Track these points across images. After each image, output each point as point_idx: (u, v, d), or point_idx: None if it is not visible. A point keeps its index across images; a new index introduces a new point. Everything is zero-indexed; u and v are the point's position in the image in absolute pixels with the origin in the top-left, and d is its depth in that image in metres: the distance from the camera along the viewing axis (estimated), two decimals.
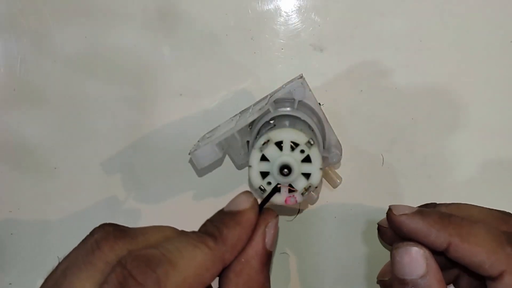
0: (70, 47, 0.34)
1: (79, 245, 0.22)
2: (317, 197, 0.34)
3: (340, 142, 0.30)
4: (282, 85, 0.30)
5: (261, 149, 0.25)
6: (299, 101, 0.29)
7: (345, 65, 0.34)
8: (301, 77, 0.29)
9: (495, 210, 0.27)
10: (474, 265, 0.24)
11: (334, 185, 0.33)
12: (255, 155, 0.25)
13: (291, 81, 0.29)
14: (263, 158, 0.25)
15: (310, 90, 0.29)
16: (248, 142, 0.29)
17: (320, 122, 0.30)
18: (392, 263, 0.26)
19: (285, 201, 0.26)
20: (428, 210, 0.25)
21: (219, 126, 0.31)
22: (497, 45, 0.34)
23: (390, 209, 0.27)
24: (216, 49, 0.34)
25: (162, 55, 0.34)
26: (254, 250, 0.23)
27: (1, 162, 0.35)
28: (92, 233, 0.22)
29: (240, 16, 0.34)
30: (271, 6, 0.34)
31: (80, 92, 0.35)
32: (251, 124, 0.29)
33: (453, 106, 0.34)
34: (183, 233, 0.23)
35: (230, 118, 0.31)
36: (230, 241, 0.22)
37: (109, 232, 0.21)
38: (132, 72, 0.34)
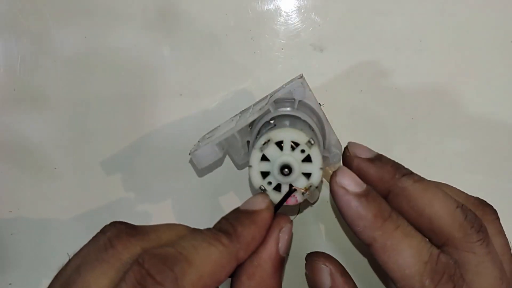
0: (70, 47, 0.34)
1: (90, 242, 0.22)
2: (318, 197, 0.34)
3: (340, 142, 0.30)
4: (282, 85, 0.30)
5: (261, 149, 0.25)
6: (299, 101, 0.29)
7: (345, 65, 0.34)
8: (301, 77, 0.29)
9: (471, 196, 0.26)
10: (389, 275, 0.23)
11: None
12: (256, 155, 0.25)
13: (291, 81, 0.29)
14: (264, 158, 0.25)
15: (310, 90, 0.29)
16: (248, 142, 0.29)
17: (320, 121, 0.30)
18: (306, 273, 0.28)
19: (286, 201, 0.26)
20: (373, 194, 0.24)
21: (219, 126, 0.31)
22: (497, 45, 0.34)
23: (346, 147, 0.26)
24: (216, 49, 0.34)
25: (162, 55, 0.34)
26: (268, 254, 0.23)
27: (1, 162, 0.35)
28: (103, 230, 0.22)
29: (240, 16, 0.34)
30: (271, 6, 0.34)
31: (80, 92, 0.35)
32: (251, 124, 0.29)
33: (453, 106, 0.34)
34: (196, 230, 0.22)
35: (230, 118, 0.31)
36: (244, 239, 0.22)
37: (121, 230, 0.21)
38: (132, 72, 0.34)
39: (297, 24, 0.34)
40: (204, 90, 0.34)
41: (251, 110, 0.30)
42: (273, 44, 0.34)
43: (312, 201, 0.34)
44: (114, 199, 0.35)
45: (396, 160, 0.34)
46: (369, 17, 0.34)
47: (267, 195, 0.25)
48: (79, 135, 0.35)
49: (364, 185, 0.24)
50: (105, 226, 0.22)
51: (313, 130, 0.28)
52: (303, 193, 0.25)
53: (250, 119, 0.28)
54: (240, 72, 0.34)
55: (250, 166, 0.25)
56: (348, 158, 0.26)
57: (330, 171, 0.32)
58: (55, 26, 0.34)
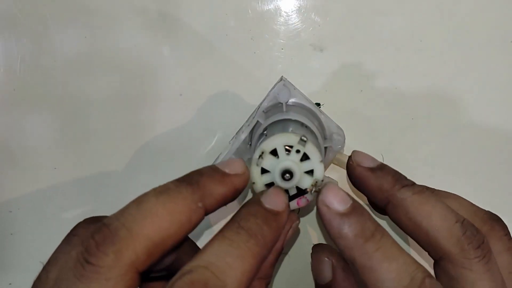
0: (70, 47, 0.34)
1: (62, 247, 0.22)
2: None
3: None
4: (268, 93, 0.30)
5: (258, 163, 0.25)
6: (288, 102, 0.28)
7: (345, 65, 0.34)
8: (282, 79, 0.29)
9: (481, 210, 0.26)
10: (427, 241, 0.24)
11: None
12: (255, 171, 0.25)
13: (274, 86, 0.29)
14: (264, 171, 0.25)
15: (295, 89, 0.28)
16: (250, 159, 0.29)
17: (314, 114, 0.29)
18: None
19: (297, 203, 0.26)
20: (358, 213, 0.23)
21: (220, 153, 0.31)
22: (497, 45, 0.34)
23: (350, 156, 0.26)
24: (216, 49, 0.34)
25: (162, 55, 0.34)
26: (275, 247, 0.24)
27: (1, 162, 0.35)
28: (74, 233, 0.22)
29: (240, 16, 0.34)
30: (271, 6, 0.34)
31: (80, 92, 0.35)
32: (250, 141, 0.29)
33: (453, 106, 0.34)
34: (224, 236, 0.21)
35: (229, 141, 0.31)
36: (271, 245, 0.22)
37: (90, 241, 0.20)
38: (132, 72, 0.34)
39: (297, 24, 0.34)
40: (204, 90, 0.34)
41: (243, 127, 0.30)
42: (273, 44, 0.34)
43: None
44: (114, 199, 0.35)
45: (396, 160, 0.34)
46: (369, 17, 0.34)
47: (283, 191, 0.25)
48: (79, 135, 0.35)
49: (349, 203, 0.23)
50: (75, 228, 0.23)
51: (306, 126, 0.28)
52: (311, 191, 0.25)
53: (243, 137, 0.28)
54: (240, 72, 0.34)
55: (253, 183, 0.25)
56: (350, 166, 0.26)
57: (341, 158, 0.31)
58: (55, 26, 0.34)
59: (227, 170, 0.24)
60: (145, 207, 0.21)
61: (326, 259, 0.27)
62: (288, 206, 0.24)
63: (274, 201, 0.23)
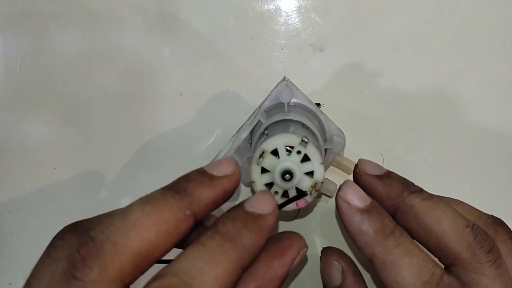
0: (70, 47, 0.34)
1: (44, 261, 0.22)
2: (336, 189, 0.33)
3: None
4: (270, 92, 0.30)
5: (258, 163, 0.25)
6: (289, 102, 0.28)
7: (345, 65, 0.34)
8: (284, 79, 0.29)
9: (485, 214, 0.26)
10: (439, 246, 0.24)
11: (349, 172, 0.32)
12: (255, 170, 0.25)
13: (276, 86, 0.29)
14: (264, 170, 0.25)
15: (297, 89, 0.28)
16: (250, 158, 0.29)
17: (315, 115, 0.29)
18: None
19: (296, 204, 0.26)
20: (377, 210, 0.24)
21: (220, 151, 0.31)
22: (497, 45, 0.34)
23: (356, 164, 0.26)
24: (216, 49, 0.34)
25: (162, 55, 0.34)
26: (282, 271, 0.23)
27: (1, 162, 0.35)
28: (54, 245, 0.22)
29: (240, 16, 0.34)
30: (271, 6, 0.34)
31: (80, 92, 0.35)
32: (251, 140, 0.29)
33: (453, 106, 0.34)
34: (199, 242, 0.21)
35: (229, 139, 0.31)
36: (252, 249, 0.21)
37: (75, 255, 0.20)
38: (132, 72, 0.34)
39: (297, 24, 0.34)
40: (204, 90, 0.34)
41: (244, 126, 0.30)
42: (273, 44, 0.34)
43: (331, 195, 0.33)
44: (113, 199, 0.35)
45: (396, 160, 0.34)
46: (369, 17, 0.34)
47: (272, 194, 0.24)
48: (79, 135, 0.35)
49: (369, 200, 0.24)
50: (53, 240, 0.23)
51: (307, 127, 0.28)
52: (310, 193, 0.25)
53: (244, 136, 0.28)
54: (240, 72, 0.34)
55: (252, 182, 0.25)
56: (357, 174, 0.26)
57: (341, 160, 0.31)
58: (55, 26, 0.34)
59: (215, 173, 0.23)
60: (130, 219, 0.20)
61: (336, 262, 0.27)
62: (276, 209, 0.23)
63: (256, 204, 0.22)
